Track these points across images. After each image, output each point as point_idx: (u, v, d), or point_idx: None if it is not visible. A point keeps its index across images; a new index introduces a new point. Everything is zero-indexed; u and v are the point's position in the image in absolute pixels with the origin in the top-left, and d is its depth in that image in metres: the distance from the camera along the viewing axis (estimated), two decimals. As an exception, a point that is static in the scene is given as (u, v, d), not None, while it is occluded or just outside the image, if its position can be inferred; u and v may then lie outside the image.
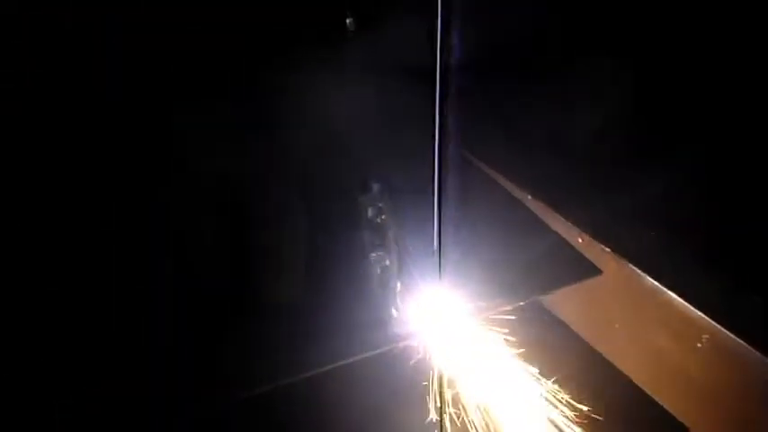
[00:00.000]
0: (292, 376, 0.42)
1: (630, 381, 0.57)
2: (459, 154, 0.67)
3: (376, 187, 0.44)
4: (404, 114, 0.69)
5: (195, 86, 0.52)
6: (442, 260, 0.49)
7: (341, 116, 0.60)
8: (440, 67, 0.63)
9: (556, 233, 0.60)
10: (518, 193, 0.65)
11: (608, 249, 0.63)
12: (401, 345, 0.44)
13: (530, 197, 0.66)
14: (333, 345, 0.43)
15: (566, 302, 0.62)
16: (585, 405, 0.51)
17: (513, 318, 0.55)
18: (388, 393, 0.45)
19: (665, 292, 0.59)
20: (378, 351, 0.44)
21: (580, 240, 0.63)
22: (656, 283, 0.61)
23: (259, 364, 0.42)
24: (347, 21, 0.76)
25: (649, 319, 0.61)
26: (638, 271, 0.62)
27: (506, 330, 0.53)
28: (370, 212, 0.44)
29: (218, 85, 0.51)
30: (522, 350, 0.53)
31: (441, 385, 0.45)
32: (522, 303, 0.57)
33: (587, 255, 0.61)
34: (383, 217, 0.44)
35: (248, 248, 0.41)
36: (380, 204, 0.44)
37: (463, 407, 0.47)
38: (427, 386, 0.45)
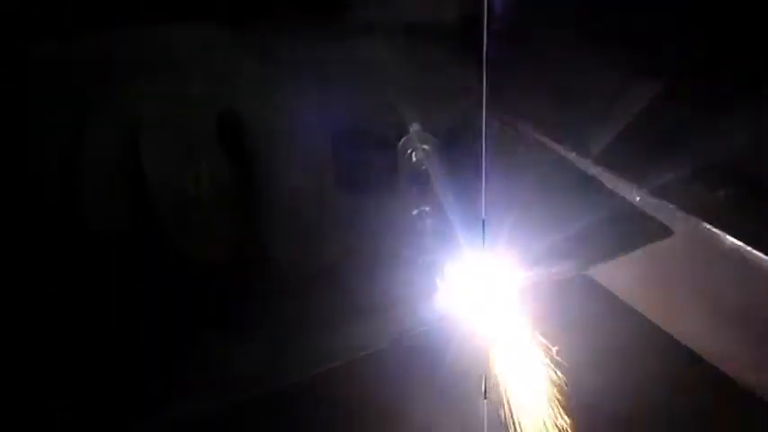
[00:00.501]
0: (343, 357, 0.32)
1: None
2: (505, 117, 0.59)
3: (417, 126, 0.35)
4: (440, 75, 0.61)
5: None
6: (489, 227, 0.41)
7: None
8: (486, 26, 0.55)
9: (616, 194, 0.52)
10: (570, 155, 0.57)
11: (676, 208, 0.55)
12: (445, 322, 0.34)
13: (582, 158, 0.58)
14: (371, 323, 0.33)
15: (616, 271, 0.53)
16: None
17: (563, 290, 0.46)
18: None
19: (746, 250, 0.52)
20: (422, 329, 0.34)
21: (637, 199, 0.54)
22: (735, 241, 0.53)
23: (296, 348, 0.32)
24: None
25: (725, 281, 0.53)
26: (714, 229, 0.54)
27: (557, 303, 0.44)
28: (414, 157, 0.33)
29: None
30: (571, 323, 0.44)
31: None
32: (583, 272, 0.48)
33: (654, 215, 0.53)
34: (429, 162, 0.34)
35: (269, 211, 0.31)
36: (425, 146, 0.34)
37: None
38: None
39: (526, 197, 0.47)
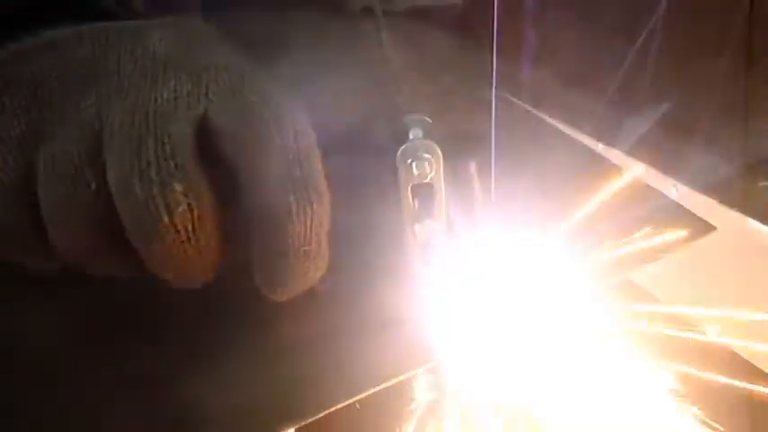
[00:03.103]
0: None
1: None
2: (512, 100, 0.55)
3: (417, 134, 0.31)
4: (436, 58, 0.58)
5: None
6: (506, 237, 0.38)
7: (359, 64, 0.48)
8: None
9: (651, 188, 0.48)
10: (594, 145, 0.53)
11: (718, 202, 0.51)
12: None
13: (600, 145, 0.54)
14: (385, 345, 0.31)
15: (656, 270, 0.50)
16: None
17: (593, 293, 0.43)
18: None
19: None
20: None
21: (675, 191, 0.51)
22: None
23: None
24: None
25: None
26: (758, 223, 0.50)
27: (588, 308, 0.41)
28: (414, 169, 0.30)
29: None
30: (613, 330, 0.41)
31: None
32: (617, 280, 0.45)
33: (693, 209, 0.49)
34: (431, 174, 0.31)
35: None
36: (427, 155, 0.30)
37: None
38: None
39: (552, 195, 0.44)
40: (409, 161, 0.30)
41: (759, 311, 0.46)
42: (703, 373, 0.41)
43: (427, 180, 0.30)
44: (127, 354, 0.31)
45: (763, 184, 0.49)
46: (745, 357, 0.46)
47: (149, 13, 0.39)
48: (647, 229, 0.44)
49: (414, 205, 0.31)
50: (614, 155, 0.51)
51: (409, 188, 0.30)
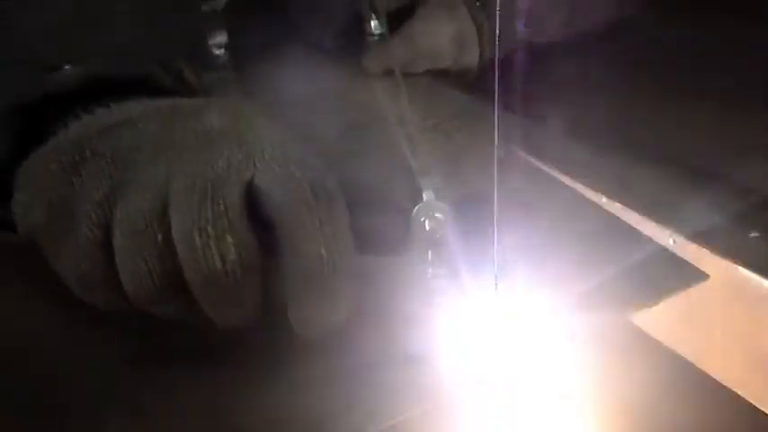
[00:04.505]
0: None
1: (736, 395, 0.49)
2: (519, 154, 0.61)
3: (429, 195, 0.37)
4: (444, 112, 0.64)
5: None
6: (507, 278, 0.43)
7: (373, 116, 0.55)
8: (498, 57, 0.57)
9: (646, 236, 0.53)
10: (592, 195, 0.59)
11: (711, 252, 0.56)
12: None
13: (605, 199, 0.59)
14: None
15: (655, 315, 0.55)
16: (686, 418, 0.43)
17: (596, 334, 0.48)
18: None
19: None
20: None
21: (672, 242, 0.55)
22: None
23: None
24: (372, 24, 0.72)
25: (763, 325, 0.53)
26: (750, 273, 0.55)
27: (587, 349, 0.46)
28: (427, 226, 0.37)
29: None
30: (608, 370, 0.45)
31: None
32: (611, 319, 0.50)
33: (687, 259, 0.54)
34: (443, 231, 0.37)
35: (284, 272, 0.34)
36: (438, 215, 0.37)
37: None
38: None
39: (546, 242, 0.49)
40: (422, 219, 0.36)
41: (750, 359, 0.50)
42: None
43: (438, 236, 0.36)
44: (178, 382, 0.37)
45: (753, 235, 0.54)
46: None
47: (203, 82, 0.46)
48: (641, 275, 0.49)
49: (427, 256, 0.36)
50: (616, 208, 0.57)
51: (422, 241, 0.36)
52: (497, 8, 0.73)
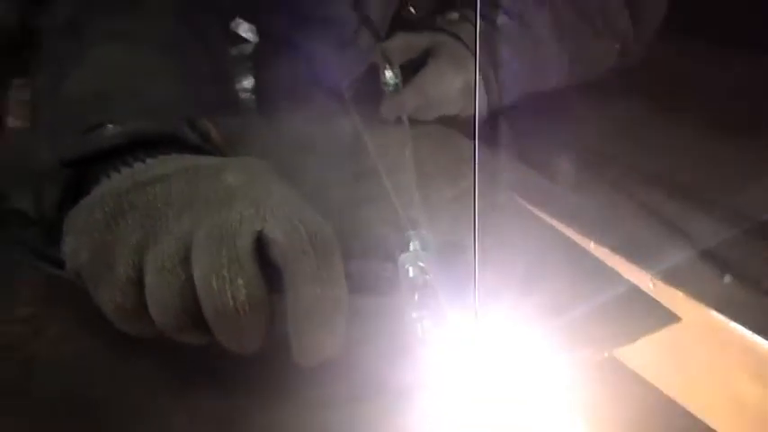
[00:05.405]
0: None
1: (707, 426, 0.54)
2: (504, 195, 0.67)
3: (416, 245, 0.44)
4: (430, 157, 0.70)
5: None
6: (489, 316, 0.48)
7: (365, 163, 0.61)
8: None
9: (623, 278, 0.58)
10: (575, 236, 0.64)
11: (685, 294, 0.61)
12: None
13: (592, 244, 0.64)
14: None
15: (640, 352, 0.60)
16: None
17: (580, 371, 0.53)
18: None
19: (752, 338, 0.57)
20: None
21: (651, 286, 0.60)
22: (741, 328, 0.58)
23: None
24: (387, 74, 0.78)
25: (734, 367, 0.58)
26: (721, 316, 0.59)
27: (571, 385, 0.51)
28: (411, 272, 0.43)
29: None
30: (592, 405, 0.50)
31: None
32: (592, 358, 0.55)
33: (662, 300, 0.59)
34: (426, 277, 0.43)
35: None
36: (422, 264, 0.43)
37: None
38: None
39: (526, 280, 0.54)
40: (407, 267, 0.42)
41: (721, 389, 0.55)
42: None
43: (421, 281, 0.42)
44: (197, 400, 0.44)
45: (726, 281, 0.59)
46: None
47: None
48: (615, 315, 0.54)
49: (413, 298, 0.43)
50: (602, 252, 0.62)
51: (408, 286, 0.42)
52: (497, 62, 0.79)
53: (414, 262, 0.41)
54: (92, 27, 0.60)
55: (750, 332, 0.55)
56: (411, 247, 0.41)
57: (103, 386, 0.45)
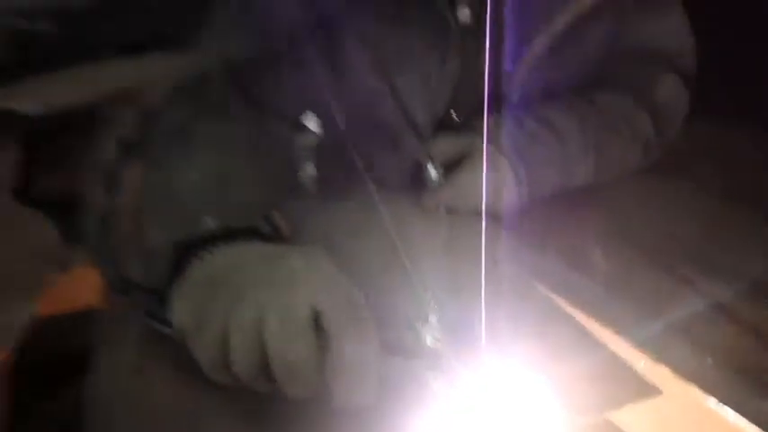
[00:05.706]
0: None
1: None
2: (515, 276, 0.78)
3: (434, 319, 0.57)
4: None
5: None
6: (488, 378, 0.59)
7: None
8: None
9: (610, 351, 0.68)
10: (569, 309, 0.74)
11: (667, 369, 0.70)
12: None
13: (582, 315, 0.74)
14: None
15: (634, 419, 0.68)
16: None
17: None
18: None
19: (731, 416, 0.62)
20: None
21: (642, 363, 0.70)
22: (719, 404, 0.66)
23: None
24: (431, 171, 0.92)
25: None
26: (701, 392, 0.68)
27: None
28: (429, 341, 0.56)
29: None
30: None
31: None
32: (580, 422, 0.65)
33: (648, 374, 0.68)
34: (441, 345, 0.56)
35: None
36: (438, 336, 0.56)
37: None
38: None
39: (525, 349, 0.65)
40: (426, 336, 0.55)
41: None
42: None
43: (437, 349, 0.55)
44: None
45: (708, 362, 0.68)
46: None
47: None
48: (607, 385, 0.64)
49: (431, 363, 0.56)
50: (589, 324, 0.73)
51: (426, 352, 0.55)
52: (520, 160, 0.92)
53: (432, 333, 0.54)
54: (193, 134, 0.76)
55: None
56: (430, 321, 0.55)
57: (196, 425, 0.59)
